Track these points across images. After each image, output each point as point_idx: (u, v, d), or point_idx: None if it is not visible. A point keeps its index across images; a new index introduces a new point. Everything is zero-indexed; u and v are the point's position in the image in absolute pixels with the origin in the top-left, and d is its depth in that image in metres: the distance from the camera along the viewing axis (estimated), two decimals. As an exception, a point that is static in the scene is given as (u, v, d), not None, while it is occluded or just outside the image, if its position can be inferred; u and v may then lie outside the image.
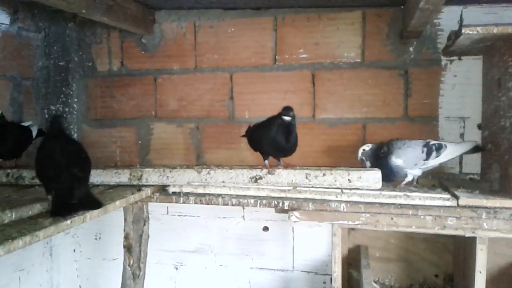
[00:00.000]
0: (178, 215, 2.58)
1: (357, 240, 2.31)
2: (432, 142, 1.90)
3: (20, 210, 1.39)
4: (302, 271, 2.44)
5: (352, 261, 2.29)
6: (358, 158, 2.02)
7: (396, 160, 1.88)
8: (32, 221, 1.38)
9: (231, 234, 2.52)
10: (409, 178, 1.94)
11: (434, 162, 1.87)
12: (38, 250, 2.54)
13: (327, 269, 2.38)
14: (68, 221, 1.40)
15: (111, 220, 2.51)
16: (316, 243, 2.40)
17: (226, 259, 2.54)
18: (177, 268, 2.62)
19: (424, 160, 1.87)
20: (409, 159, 1.87)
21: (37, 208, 1.45)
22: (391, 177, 1.92)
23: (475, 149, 1.96)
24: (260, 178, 1.90)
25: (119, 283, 2.16)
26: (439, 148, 1.86)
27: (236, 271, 2.53)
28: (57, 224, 1.35)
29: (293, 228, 2.43)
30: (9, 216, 1.35)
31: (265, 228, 2.47)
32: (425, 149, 1.87)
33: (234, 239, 2.52)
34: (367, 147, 2.01)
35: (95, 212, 1.54)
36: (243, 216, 2.50)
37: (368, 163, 2.00)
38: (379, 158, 1.94)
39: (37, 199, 1.60)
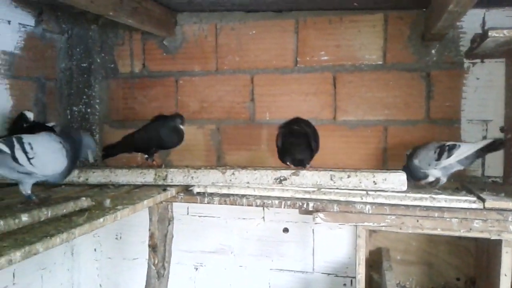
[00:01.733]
0: (199, 216, 2.60)
1: (378, 242, 2.31)
2: (448, 143, 1.91)
3: (55, 208, 1.41)
4: (322, 273, 2.44)
5: (373, 263, 2.29)
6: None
7: (415, 161, 1.95)
8: (66, 219, 1.40)
9: (251, 235, 2.54)
10: (430, 179, 1.95)
11: (446, 162, 1.87)
12: (60, 249, 2.58)
13: (348, 271, 2.39)
14: (101, 219, 1.42)
15: (131, 220, 2.53)
16: (336, 245, 2.41)
17: (246, 260, 2.56)
18: (197, 269, 2.64)
19: (436, 160, 1.88)
20: (423, 160, 1.92)
21: (70, 206, 1.47)
22: (412, 176, 1.96)
23: (492, 146, 1.91)
24: (285, 179, 1.91)
25: (139, 283, 2.18)
26: (451, 148, 1.87)
27: (255, 272, 2.54)
28: (91, 222, 1.37)
29: (313, 229, 2.44)
30: (45, 214, 1.37)
31: (285, 230, 2.48)
32: (437, 150, 1.90)
33: (254, 240, 2.53)
34: (408, 151, 2.06)
35: (126, 211, 1.56)
36: (263, 217, 2.51)
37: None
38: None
39: (68, 197, 1.62)
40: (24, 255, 1.10)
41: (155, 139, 2.18)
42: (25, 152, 1.43)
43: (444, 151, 1.88)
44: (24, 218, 1.29)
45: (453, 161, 1.89)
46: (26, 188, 1.50)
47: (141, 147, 2.24)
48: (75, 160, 1.63)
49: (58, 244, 1.24)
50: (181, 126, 2.17)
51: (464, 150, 1.88)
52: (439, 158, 1.89)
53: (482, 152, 1.93)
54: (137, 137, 2.21)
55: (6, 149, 1.41)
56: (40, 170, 1.48)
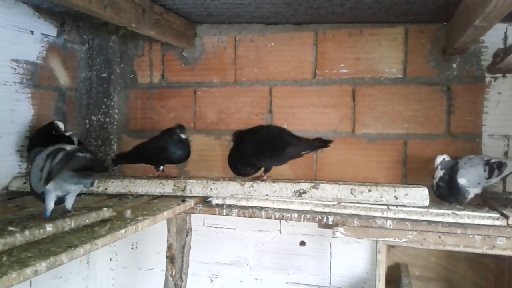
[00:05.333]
0: (215, 227, 2.59)
1: (396, 257, 2.28)
2: (493, 160, 1.87)
3: (78, 218, 1.42)
4: (339, 287, 2.41)
5: (391, 278, 2.26)
6: (436, 165, 1.93)
7: (460, 180, 1.85)
8: (89, 229, 1.40)
9: (267, 247, 2.52)
10: (470, 196, 1.90)
11: (495, 180, 1.85)
12: (81, 257, 2.57)
13: (365, 286, 2.36)
14: (123, 230, 1.42)
15: (147, 230, 2.50)
16: (354, 259, 2.38)
17: (262, 273, 2.54)
18: (212, 280, 2.62)
19: (487, 178, 1.85)
20: (472, 178, 1.85)
21: (93, 217, 1.48)
22: (452, 195, 1.88)
23: None
24: (304, 192, 1.90)
25: (153, 293, 2.18)
26: (500, 166, 1.84)
27: (271, 286, 2.52)
28: (113, 233, 1.37)
29: (330, 243, 2.42)
30: (69, 224, 1.38)
31: (302, 243, 2.46)
32: (486, 168, 1.85)
33: (270, 252, 2.52)
34: (447, 157, 1.92)
35: (146, 222, 1.57)
36: (280, 230, 2.49)
37: (441, 173, 1.91)
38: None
39: (90, 208, 1.63)
40: (49, 265, 1.10)
41: (157, 152, 2.20)
42: None
43: (494, 168, 1.85)
44: (49, 228, 1.30)
45: (499, 179, 1.87)
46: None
47: (147, 159, 2.27)
48: None
49: (82, 255, 1.25)
50: (182, 136, 2.16)
51: (510, 168, 1.86)
52: (489, 176, 1.86)
53: None
54: (142, 148, 2.25)
55: None
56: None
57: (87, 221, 1.45)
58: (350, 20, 2.30)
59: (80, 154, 1.44)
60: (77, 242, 1.25)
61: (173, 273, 2.00)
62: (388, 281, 2.24)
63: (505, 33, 2.15)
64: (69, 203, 1.51)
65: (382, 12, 2.09)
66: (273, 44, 2.46)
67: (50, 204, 1.46)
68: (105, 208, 1.57)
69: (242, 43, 2.51)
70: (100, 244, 1.30)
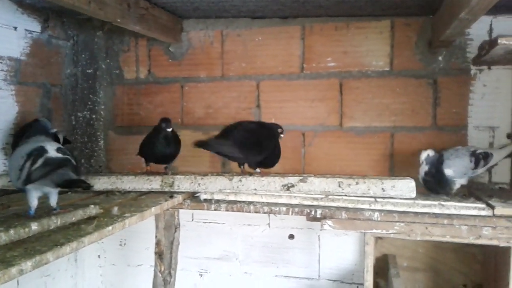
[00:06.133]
0: (203, 222, 2.59)
1: (384, 249, 2.30)
2: (479, 151, 1.89)
3: (64, 216, 1.40)
4: (328, 279, 2.43)
5: (379, 270, 2.28)
6: (421, 161, 1.96)
7: (447, 170, 1.87)
8: (75, 227, 1.39)
9: (256, 241, 2.52)
10: (457, 187, 1.92)
11: (481, 170, 1.87)
12: (67, 255, 2.56)
13: (354, 278, 2.38)
14: (110, 227, 1.41)
15: (135, 226, 2.49)
16: (342, 252, 2.40)
17: (251, 267, 2.54)
18: (201, 275, 2.62)
19: (473, 169, 1.87)
20: (459, 169, 1.87)
21: (79, 214, 1.47)
22: (440, 187, 1.91)
23: None
24: (292, 186, 1.90)
25: (143, 290, 2.17)
26: (486, 157, 1.87)
27: (261, 279, 2.53)
28: (100, 231, 1.36)
29: (319, 236, 2.43)
30: (55, 222, 1.36)
31: (291, 236, 2.47)
32: (472, 159, 1.87)
33: (259, 246, 2.52)
34: (431, 152, 1.95)
35: (134, 218, 1.56)
36: (269, 224, 2.50)
37: (426, 168, 1.93)
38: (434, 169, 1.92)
39: (76, 205, 1.62)
40: (35, 264, 1.09)
41: (147, 150, 2.18)
42: None
43: (480, 159, 1.87)
44: (34, 227, 1.29)
45: (485, 169, 1.89)
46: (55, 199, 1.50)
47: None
48: None
49: (68, 253, 1.23)
50: (168, 130, 2.08)
51: (498, 157, 1.89)
52: (476, 166, 1.88)
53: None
54: (140, 146, 2.24)
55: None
56: None
57: (74, 218, 1.44)
58: (337, 14, 2.30)
59: (61, 170, 1.38)
60: (63, 240, 1.24)
61: (162, 269, 2.00)
62: (376, 272, 2.26)
63: (490, 25, 2.16)
64: (53, 200, 1.49)
65: (368, 5, 2.10)
66: (260, 38, 2.45)
67: (34, 202, 1.44)
68: (92, 206, 1.56)
69: (229, 38, 2.50)
70: (87, 242, 1.29)
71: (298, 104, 2.41)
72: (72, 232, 1.33)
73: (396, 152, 2.29)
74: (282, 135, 2.11)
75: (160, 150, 2.11)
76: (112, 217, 1.53)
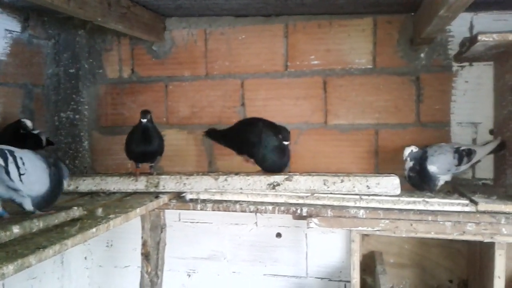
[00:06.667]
0: (191, 222, 2.57)
1: (371, 246, 2.32)
2: (462, 147, 1.91)
3: (47, 218, 1.39)
4: (315, 277, 2.44)
5: (366, 267, 2.30)
6: (404, 158, 1.97)
7: (431, 167, 1.89)
8: (58, 229, 1.38)
9: (244, 240, 2.52)
10: (441, 183, 1.94)
11: (465, 167, 1.90)
12: (50, 258, 2.52)
13: (341, 275, 2.39)
14: (94, 229, 1.40)
15: (122, 227, 2.45)
16: (329, 249, 2.41)
17: (239, 266, 2.54)
18: (189, 275, 2.61)
19: (456, 165, 1.89)
20: (443, 165, 1.89)
21: (62, 216, 1.45)
22: (425, 182, 1.93)
23: (500, 147, 1.96)
24: (278, 184, 1.90)
25: (130, 291, 2.16)
26: (469, 153, 1.89)
27: (249, 278, 2.53)
28: (83, 233, 1.35)
29: (306, 234, 2.43)
30: (37, 225, 1.34)
31: (278, 235, 2.47)
32: (456, 155, 1.89)
33: (247, 245, 2.52)
34: (415, 148, 1.95)
35: (118, 220, 1.55)
36: (256, 223, 2.50)
37: (411, 164, 1.94)
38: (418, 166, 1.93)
39: (60, 207, 1.60)
40: (17, 268, 1.07)
41: (126, 146, 2.11)
42: (18, 167, 1.39)
43: (463, 155, 1.89)
44: (16, 230, 1.27)
45: (468, 166, 1.91)
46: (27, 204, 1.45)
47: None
48: (59, 185, 1.57)
49: (51, 256, 1.22)
50: (143, 120, 1.98)
51: (481, 154, 1.91)
52: (459, 163, 1.90)
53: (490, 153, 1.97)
54: None
55: (0, 161, 1.36)
56: (27, 189, 1.42)
57: (56, 221, 1.42)
58: (320, 12, 2.31)
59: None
60: (46, 243, 1.22)
61: (149, 270, 1.99)
62: (363, 269, 2.28)
63: (471, 22, 2.19)
64: (25, 206, 1.45)
65: (350, 3, 2.10)
66: (243, 36, 2.45)
67: None
68: (75, 207, 1.54)
69: (212, 36, 2.48)
70: (70, 244, 1.28)
71: (283, 102, 2.41)
72: (55, 235, 1.32)
73: (380, 149, 2.30)
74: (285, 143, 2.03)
75: (139, 146, 2.04)
76: (96, 219, 1.51)
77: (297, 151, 2.39)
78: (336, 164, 2.35)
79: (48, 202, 1.53)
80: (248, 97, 2.46)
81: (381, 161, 2.30)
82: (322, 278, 2.43)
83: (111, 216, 1.56)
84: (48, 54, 2.58)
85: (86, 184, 2.03)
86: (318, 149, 2.38)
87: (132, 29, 2.20)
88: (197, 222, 2.57)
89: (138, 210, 1.70)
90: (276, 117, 2.38)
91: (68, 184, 1.97)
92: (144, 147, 2.05)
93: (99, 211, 1.59)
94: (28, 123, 2.10)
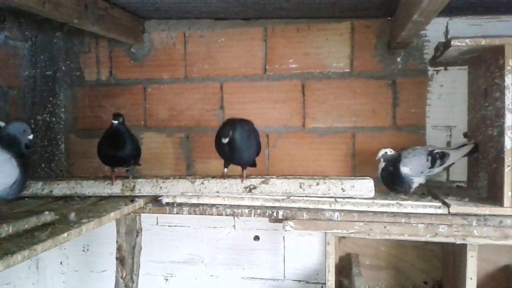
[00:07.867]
0: (168, 226, 2.56)
1: (348, 248, 2.33)
2: (436, 150, 1.94)
3: (16, 223, 1.36)
4: (293, 280, 2.44)
5: (342, 269, 2.31)
6: (377, 158, 1.99)
7: (403, 169, 1.91)
8: (28, 234, 1.35)
9: (222, 244, 2.52)
10: (414, 186, 1.96)
11: (438, 169, 1.92)
12: (24, 263, 2.48)
13: (318, 278, 2.40)
14: (65, 234, 1.38)
15: (99, 231, 2.43)
16: (307, 252, 2.42)
17: (217, 269, 2.53)
18: (167, 280, 2.60)
19: (429, 168, 1.91)
20: (416, 167, 1.91)
21: (33, 221, 1.43)
22: (398, 184, 1.95)
23: (474, 150, 2.00)
24: (255, 187, 1.91)
25: (108, 296, 2.13)
26: (442, 156, 1.91)
27: (227, 281, 2.52)
28: (54, 238, 1.33)
29: (284, 237, 2.44)
30: (6, 230, 1.32)
31: (256, 238, 2.47)
32: (429, 158, 1.91)
33: (225, 249, 2.51)
34: (389, 151, 1.97)
35: (91, 224, 1.53)
36: (234, 226, 2.50)
37: (383, 164, 1.97)
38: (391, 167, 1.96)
39: (31, 212, 1.57)
40: (-18, 274, 1.05)
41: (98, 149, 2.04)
42: None
43: (436, 158, 1.92)
44: (-17, 235, 1.25)
45: (442, 169, 1.94)
46: None
47: None
48: (27, 170, 1.55)
49: (20, 261, 1.20)
50: (115, 122, 1.93)
51: (455, 157, 1.93)
52: (432, 166, 1.92)
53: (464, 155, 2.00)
54: None
55: None
56: None
57: (27, 226, 1.40)
58: (298, 16, 2.32)
59: None
60: (15, 249, 1.20)
61: (124, 274, 1.97)
62: (340, 271, 2.30)
63: (446, 27, 2.23)
64: None
65: (328, 7, 2.12)
66: (223, 39, 2.45)
67: None
68: (47, 212, 1.52)
69: (191, 39, 2.48)
70: (40, 250, 1.26)
71: (262, 106, 2.41)
72: (25, 240, 1.29)
73: (357, 152, 2.32)
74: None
75: (109, 149, 1.99)
76: (68, 223, 1.49)
77: (275, 154, 2.41)
78: (314, 167, 2.36)
79: (18, 190, 1.52)
80: (227, 100, 2.46)
81: (358, 164, 2.32)
82: (299, 281, 2.43)
83: (84, 220, 1.54)
84: (24, 56, 2.55)
85: (61, 188, 2.00)
86: (296, 152, 2.39)
87: (109, 31, 2.18)
88: (175, 226, 2.55)
89: (112, 214, 1.68)
90: (255, 120, 2.37)
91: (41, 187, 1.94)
92: (115, 151, 1.99)
93: (72, 216, 1.57)
94: (2, 124, 2.06)
